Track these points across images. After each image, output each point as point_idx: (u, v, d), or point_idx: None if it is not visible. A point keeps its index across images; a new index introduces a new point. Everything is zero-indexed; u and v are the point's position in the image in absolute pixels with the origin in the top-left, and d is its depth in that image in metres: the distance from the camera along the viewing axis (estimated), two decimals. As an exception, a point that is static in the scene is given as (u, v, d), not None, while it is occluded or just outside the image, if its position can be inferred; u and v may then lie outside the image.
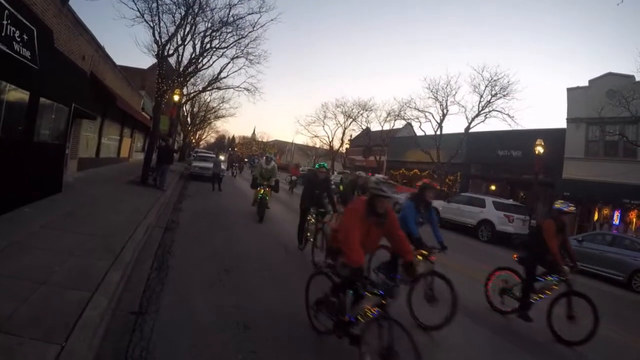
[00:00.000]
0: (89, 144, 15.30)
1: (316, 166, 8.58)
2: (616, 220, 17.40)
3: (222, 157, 21.65)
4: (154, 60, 16.75)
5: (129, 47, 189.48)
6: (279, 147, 78.92)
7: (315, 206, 7.71)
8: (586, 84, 19.36)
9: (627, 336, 6.21)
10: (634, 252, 10.78)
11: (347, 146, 38.94)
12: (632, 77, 16.24)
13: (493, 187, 24.18)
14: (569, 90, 20.15)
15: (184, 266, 5.69)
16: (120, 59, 37.03)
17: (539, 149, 17.96)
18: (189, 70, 17.90)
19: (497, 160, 23.73)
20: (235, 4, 16.56)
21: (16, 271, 4.00)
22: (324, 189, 7.93)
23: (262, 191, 10.77)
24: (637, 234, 15.28)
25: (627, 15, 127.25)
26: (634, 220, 16.96)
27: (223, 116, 46.28)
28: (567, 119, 19.82)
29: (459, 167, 25.56)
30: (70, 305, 3.50)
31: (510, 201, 17.17)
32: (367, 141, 35.71)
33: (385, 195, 3.52)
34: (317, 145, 50.19)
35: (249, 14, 17.43)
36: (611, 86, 17.11)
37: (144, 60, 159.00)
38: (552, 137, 19.26)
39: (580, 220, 18.82)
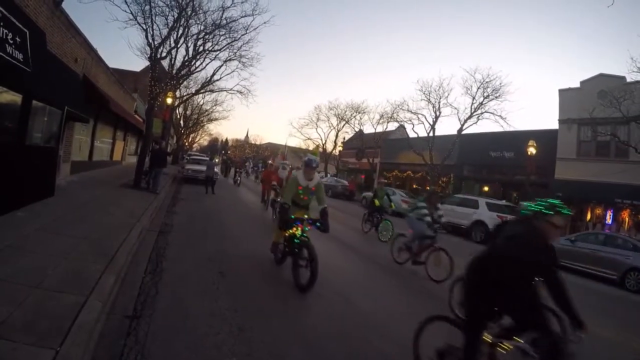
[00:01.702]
0: (81, 147, 15.17)
1: (536, 207, 2.98)
2: (609, 220, 17.61)
3: (216, 160, 21.14)
4: (147, 63, 16.64)
5: (121, 49, 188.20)
6: (272, 150, 78.82)
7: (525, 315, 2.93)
8: (578, 85, 19.57)
9: (625, 335, 6.27)
10: (626, 251, 10.89)
11: (340, 148, 39.02)
12: (623, 78, 16.44)
13: (486, 188, 24.29)
14: (561, 91, 20.35)
15: (178, 269, 5.65)
16: (112, 62, 36.95)
17: (531, 150, 18.13)
18: (182, 73, 17.82)
19: (490, 162, 23.89)
20: (229, 7, 16.62)
21: (10, 275, 3.95)
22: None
23: (297, 230, 5.62)
24: (630, 233, 15.44)
25: (618, 17, 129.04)
26: (627, 219, 17.15)
27: (216, 119, 46.19)
28: (559, 119, 20.02)
29: (451, 169, 25.67)
30: (65, 309, 3.47)
31: (504, 202, 17.30)
32: (360, 143, 35.80)
33: None
34: (311, 148, 50.23)
35: (242, 17, 17.33)
36: (602, 87, 17.33)
37: (137, 63, 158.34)
38: (545, 137, 19.45)
39: (573, 219, 19.04)
